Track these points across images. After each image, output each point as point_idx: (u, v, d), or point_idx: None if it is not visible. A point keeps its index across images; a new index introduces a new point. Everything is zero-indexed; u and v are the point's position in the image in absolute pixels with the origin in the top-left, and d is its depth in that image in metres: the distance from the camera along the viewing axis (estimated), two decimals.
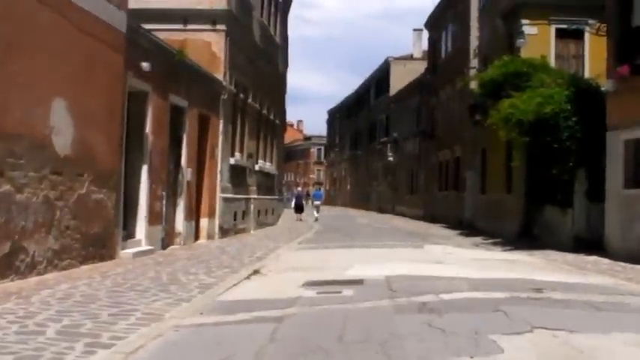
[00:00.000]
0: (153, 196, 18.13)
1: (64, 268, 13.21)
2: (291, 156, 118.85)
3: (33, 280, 11.80)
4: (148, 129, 17.67)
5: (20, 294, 10.27)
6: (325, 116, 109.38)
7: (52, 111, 12.80)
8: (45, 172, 12.51)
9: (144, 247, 17.45)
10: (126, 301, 10.12)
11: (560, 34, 27.63)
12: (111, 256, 15.41)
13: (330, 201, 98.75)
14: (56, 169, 12.92)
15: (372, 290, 11.73)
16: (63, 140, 13.22)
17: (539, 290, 11.68)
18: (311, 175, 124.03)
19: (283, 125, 46.69)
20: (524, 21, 27.46)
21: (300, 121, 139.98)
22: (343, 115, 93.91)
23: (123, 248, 16.21)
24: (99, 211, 14.80)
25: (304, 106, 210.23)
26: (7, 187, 11.29)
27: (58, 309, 9.27)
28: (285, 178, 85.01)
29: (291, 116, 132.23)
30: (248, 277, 13.65)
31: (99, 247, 14.84)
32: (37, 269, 12.26)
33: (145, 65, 16.78)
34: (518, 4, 28.06)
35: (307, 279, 13.21)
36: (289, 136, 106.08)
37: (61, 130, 13.13)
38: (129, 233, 17.18)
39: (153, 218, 18.15)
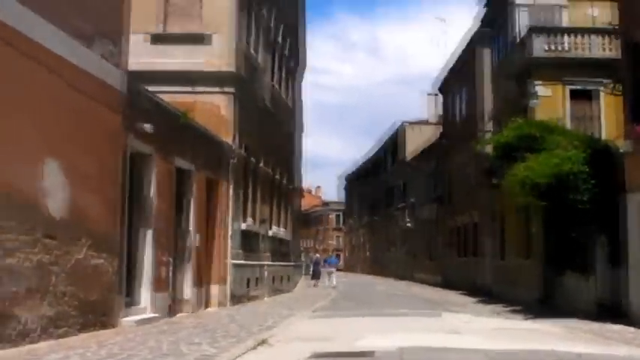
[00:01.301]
0: (158, 262, 17.55)
1: (61, 337, 12.59)
2: (310, 222, 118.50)
3: (25, 349, 11.18)
4: (151, 192, 17.18)
5: None
6: (343, 182, 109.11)
7: (44, 172, 12.30)
8: (38, 236, 11.95)
9: (148, 314, 16.80)
10: None
11: (575, 95, 27.32)
12: (112, 324, 14.77)
13: (349, 268, 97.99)
14: (50, 232, 12.35)
15: None
16: (57, 202, 12.69)
17: None
18: (330, 242, 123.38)
19: (299, 190, 46.29)
20: (536, 82, 27.17)
21: (318, 187, 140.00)
22: (360, 180, 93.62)
23: (125, 316, 15.56)
24: (98, 276, 14.20)
25: (323, 172, 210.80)
26: None
27: None
28: (303, 245, 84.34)
29: (309, 182, 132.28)
30: (254, 348, 12.95)
31: (99, 314, 14.23)
32: (30, 337, 11.65)
33: (147, 127, 16.31)
34: (530, 65, 27.78)
35: (315, 350, 12.52)
36: (307, 203, 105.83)
37: (55, 191, 12.61)
38: (132, 300, 16.59)
39: (158, 285, 17.54)
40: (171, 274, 18.54)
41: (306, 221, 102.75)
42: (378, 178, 79.66)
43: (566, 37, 28.08)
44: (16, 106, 11.45)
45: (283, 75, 34.68)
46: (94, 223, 14.11)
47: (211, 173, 22.14)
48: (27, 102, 11.81)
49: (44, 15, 12.15)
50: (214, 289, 22.78)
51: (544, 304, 24.55)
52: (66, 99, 13.08)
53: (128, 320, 15.47)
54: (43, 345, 11.68)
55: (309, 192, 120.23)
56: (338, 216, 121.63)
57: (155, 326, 15.82)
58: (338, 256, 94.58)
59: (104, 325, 14.37)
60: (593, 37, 27.82)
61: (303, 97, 45.66)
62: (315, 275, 45.55)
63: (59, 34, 12.73)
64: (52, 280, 12.43)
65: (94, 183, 14.19)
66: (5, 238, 11.03)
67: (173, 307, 18.82)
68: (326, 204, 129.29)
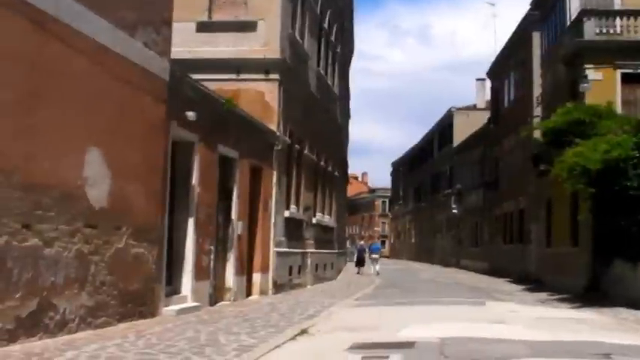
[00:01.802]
0: (200, 251, 17.43)
1: (99, 326, 12.54)
2: (356, 209, 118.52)
3: (62, 339, 11.13)
4: (194, 180, 17.04)
5: (42, 355, 9.62)
6: (390, 168, 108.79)
7: (86, 161, 12.20)
8: (78, 225, 11.88)
9: (190, 303, 16.68)
10: None
11: (627, 79, 26.59)
12: (152, 313, 14.69)
13: (395, 254, 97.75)
14: (90, 222, 12.28)
15: (422, 355, 10.82)
16: (98, 192, 12.61)
17: (607, 356, 10.59)
18: (376, 228, 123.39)
19: (345, 177, 46.10)
20: (587, 66, 26.55)
21: (364, 174, 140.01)
22: (407, 167, 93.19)
23: (166, 305, 15.46)
24: (138, 266, 14.13)
25: (370, 159, 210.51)
26: (34, 240, 10.65)
27: None
28: (349, 231, 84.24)
29: (356, 169, 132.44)
30: (294, 338, 12.76)
31: (138, 303, 14.15)
32: (69, 327, 11.60)
33: (191, 115, 16.14)
34: (581, 48, 27.17)
35: (356, 340, 12.27)
36: (354, 189, 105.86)
37: (97, 181, 12.53)
38: (174, 289, 16.49)
39: (200, 273, 17.41)
40: (213, 262, 18.41)
41: (353, 208, 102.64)
42: (425, 164, 79.22)
43: (618, 20, 27.39)
44: (58, 96, 11.35)
45: (330, 61, 34.43)
46: (135, 212, 14.01)
47: (255, 160, 21.98)
48: (69, 91, 11.69)
49: (86, 3, 12.04)
50: (257, 277, 22.64)
51: (591, 293, 24.05)
52: (109, 88, 12.97)
53: (169, 309, 15.39)
54: (80, 335, 11.62)
55: (356, 178, 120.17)
56: (384, 202, 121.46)
57: (195, 315, 15.72)
58: (383, 242, 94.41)
59: (144, 315, 14.29)
60: None
61: (352, 84, 45.47)
62: (359, 263, 45.38)
63: (102, 23, 12.62)
64: (92, 269, 12.36)
65: (136, 171, 14.06)
66: (44, 228, 10.94)
67: (214, 295, 18.72)
68: (372, 190, 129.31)
